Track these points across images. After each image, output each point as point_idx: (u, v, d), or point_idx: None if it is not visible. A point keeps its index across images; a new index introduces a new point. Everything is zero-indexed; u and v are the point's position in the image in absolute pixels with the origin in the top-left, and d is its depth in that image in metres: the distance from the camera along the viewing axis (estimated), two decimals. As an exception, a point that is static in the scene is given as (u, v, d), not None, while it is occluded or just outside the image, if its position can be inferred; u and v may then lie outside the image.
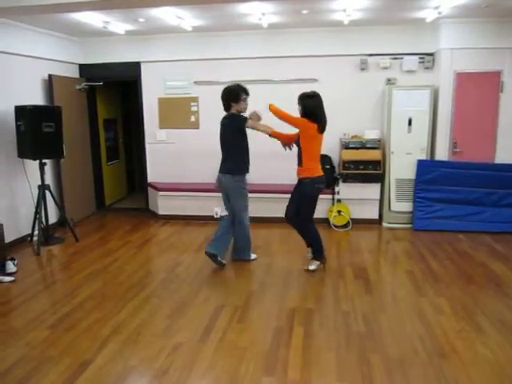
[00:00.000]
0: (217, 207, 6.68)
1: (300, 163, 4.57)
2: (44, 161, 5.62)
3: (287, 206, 4.80)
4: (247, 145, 4.77)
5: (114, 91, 8.03)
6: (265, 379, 2.87)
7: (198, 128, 7.04)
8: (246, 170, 4.81)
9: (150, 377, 2.93)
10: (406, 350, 3.18)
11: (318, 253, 4.78)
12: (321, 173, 4.60)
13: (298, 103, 4.55)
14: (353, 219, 6.32)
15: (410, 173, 6.17)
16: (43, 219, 5.66)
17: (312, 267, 4.73)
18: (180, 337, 3.41)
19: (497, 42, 5.85)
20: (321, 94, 4.58)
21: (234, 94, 4.70)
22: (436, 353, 3.13)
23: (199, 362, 3.07)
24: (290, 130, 4.64)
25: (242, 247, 5.00)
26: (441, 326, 3.52)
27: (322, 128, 4.46)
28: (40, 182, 5.60)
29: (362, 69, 6.50)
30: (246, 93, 4.76)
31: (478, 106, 6.07)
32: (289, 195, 4.84)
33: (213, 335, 3.42)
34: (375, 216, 6.48)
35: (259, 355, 3.14)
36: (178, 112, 7.06)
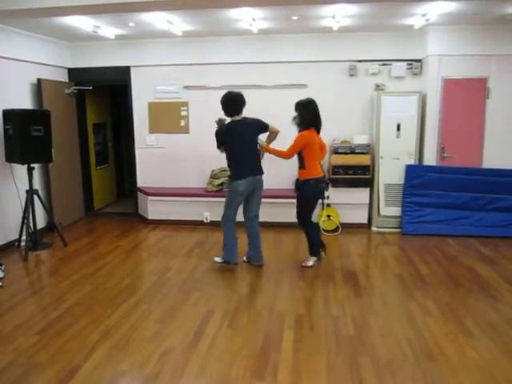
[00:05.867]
0: (206, 212, 6.68)
1: (303, 166, 4.78)
2: (32, 165, 5.58)
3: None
4: None
5: (103, 96, 7.99)
6: (255, 383, 2.87)
7: (188, 133, 7.04)
8: None
9: (140, 382, 2.92)
10: (395, 352, 3.20)
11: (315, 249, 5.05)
12: (322, 174, 4.88)
13: (296, 111, 4.76)
14: (342, 224, 6.35)
15: (398, 178, 6.23)
16: (31, 224, 5.61)
17: (310, 263, 4.97)
18: (170, 342, 3.39)
19: (483, 48, 5.95)
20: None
21: (244, 100, 4.75)
22: (425, 355, 3.16)
23: (190, 366, 3.06)
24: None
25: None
26: (429, 328, 3.55)
27: (318, 130, 4.76)
28: (28, 187, 5.56)
29: (351, 75, 6.55)
30: None
31: (465, 112, 6.16)
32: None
33: (203, 340, 3.41)
34: (364, 220, 6.52)
35: (249, 359, 3.14)
36: (167, 117, 7.06)
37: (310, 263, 4.98)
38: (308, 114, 4.72)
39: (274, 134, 4.83)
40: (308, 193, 4.85)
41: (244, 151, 4.72)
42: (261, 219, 4.94)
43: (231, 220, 4.85)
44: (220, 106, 4.73)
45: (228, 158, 4.78)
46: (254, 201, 4.89)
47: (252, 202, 4.89)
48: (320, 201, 6.30)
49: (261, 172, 4.82)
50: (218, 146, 4.80)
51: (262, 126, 4.77)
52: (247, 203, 4.90)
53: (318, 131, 4.81)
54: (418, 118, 6.14)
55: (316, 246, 5.02)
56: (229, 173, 4.90)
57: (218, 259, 5.00)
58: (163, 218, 6.85)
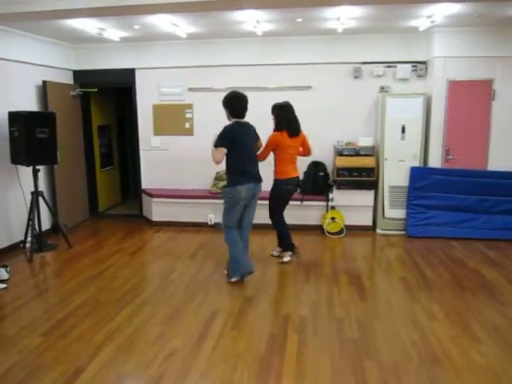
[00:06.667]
0: (211, 214, 6.68)
1: (275, 167, 5.06)
2: (37, 167, 5.60)
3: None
4: None
5: (108, 98, 8.02)
6: (259, 386, 2.87)
7: (192, 135, 7.05)
8: None
9: (144, 384, 2.92)
10: (399, 356, 3.19)
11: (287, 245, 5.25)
12: (293, 174, 5.02)
13: (272, 113, 4.96)
14: (347, 226, 6.34)
15: (403, 180, 6.21)
16: (36, 225, 5.62)
17: (286, 259, 5.18)
18: (174, 343, 3.39)
19: (488, 50, 5.92)
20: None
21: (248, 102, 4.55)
22: (430, 359, 3.14)
23: (193, 368, 3.06)
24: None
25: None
26: (434, 332, 3.53)
27: (290, 133, 4.91)
28: (33, 189, 5.58)
29: (356, 77, 6.54)
30: None
31: (471, 114, 6.13)
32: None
33: (207, 342, 3.41)
34: (369, 223, 6.50)
35: (253, 362, 3.13)
36: (172, 119, 7.07)
37: (287, 259, 5.18)
38: (282, 117, 4.88)
39: (258, 149, 4.75)
40: (274, 192, 5.05)
41: (247, 156, 4.52)
42: (261, 222, 4.93)
43: (234, 228, 4.57)
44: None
45: (231, 161, 4.45)
46: (251, 209, 4.64)
47: (248, 210, 4.62)
48: (324, 203, 6.36)
49: (261, 179, 4.63)
50: (219, 145, 4.33)
51: (256, 134, 4.69)
52: (243, 212, 4.59)
53: (291, 135, 4.90)
54: (423, 120, 6.12)
55: (288, 241, 5.21)
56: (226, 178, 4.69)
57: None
58: (167, 220, 6.85)
